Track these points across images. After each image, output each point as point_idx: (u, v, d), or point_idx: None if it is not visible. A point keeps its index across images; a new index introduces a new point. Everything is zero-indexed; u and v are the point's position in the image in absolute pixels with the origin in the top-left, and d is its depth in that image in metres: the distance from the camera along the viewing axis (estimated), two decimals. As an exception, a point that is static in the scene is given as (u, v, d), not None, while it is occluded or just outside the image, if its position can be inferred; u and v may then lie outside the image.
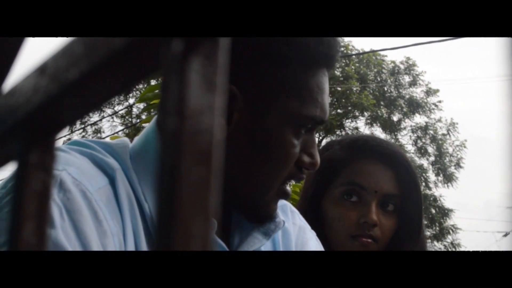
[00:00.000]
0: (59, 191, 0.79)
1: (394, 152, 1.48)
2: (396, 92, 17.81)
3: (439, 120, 17.97)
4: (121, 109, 17.22)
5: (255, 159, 0.94)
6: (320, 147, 1.61)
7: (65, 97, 0.31)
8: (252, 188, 0.95)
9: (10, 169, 0.42)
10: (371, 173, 1.44)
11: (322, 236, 1.40)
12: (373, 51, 15.89)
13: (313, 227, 1.34)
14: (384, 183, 1.44)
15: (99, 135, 17.48)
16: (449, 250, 16.55)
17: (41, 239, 0.34)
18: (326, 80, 0.98)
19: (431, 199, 17.10)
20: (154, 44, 0.26)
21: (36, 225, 0.33)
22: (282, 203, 1.04)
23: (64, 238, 0.76)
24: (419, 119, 18.12)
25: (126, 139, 0.97)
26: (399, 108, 17.70)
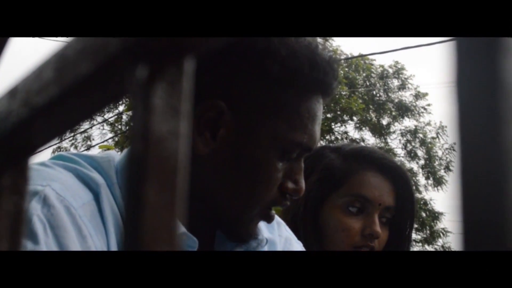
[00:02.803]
0: (43, 206, 0.79)
1: (397, 166, 1.49)
2: (385, 96, 17.84)
3: (428, 124, 18.00)
4: (111, 117, 17.18)
5: (237, 178, 0.91)
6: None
7: (37, 120, 0.31)
8: (232, 206, 0.93)
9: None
10: (377, 186, 1.45)
11: (320, 244, 1.40)
12: (361, 56, 15.92)
13: (311, 235, 1.34)
14: (387, 197, 1.46)
15: (88, 142, 17.44)
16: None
17: (16, 260, 0.34)
18: (319, 108, 0.95)
19: (422, 202, 17.12)
20: (120, 69, 0.26)
21: (8, 246, 0.33)
22: None
23: None
24: (408, 122, 18.15)
25: (113, 153, 0.96)
26: (388, 112, 17.73)
